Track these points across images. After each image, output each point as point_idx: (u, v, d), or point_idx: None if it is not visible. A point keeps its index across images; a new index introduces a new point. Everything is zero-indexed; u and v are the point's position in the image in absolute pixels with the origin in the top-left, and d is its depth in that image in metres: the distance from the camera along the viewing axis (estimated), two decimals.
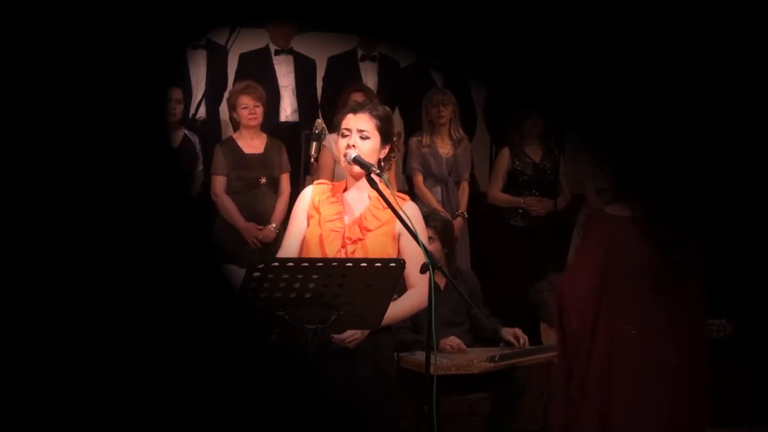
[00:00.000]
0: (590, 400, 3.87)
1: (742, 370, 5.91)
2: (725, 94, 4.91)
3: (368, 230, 3.74)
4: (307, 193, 3.83)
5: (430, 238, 5.27)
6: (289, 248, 3.77)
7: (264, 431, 3.54)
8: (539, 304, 5.62)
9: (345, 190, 3.82)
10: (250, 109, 5.93)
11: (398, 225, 3.71)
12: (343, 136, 3.75)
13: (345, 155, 3.71)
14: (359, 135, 3.73)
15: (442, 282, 5.07)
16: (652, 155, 4.01)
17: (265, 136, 6.05)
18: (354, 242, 3.72)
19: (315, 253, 3.70)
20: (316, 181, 3.95)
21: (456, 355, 4.96)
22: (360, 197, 3.80)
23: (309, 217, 3.78)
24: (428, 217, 5.36)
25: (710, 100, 4.91)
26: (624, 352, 3.85)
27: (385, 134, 3.78)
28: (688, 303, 3.91)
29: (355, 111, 3.79)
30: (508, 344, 5.12)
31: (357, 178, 3.78)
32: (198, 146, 6.18)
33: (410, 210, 3.76)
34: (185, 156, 6.04)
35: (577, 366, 3.89)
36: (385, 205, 3.71)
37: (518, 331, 5.16)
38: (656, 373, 3.86)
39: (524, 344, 5.12)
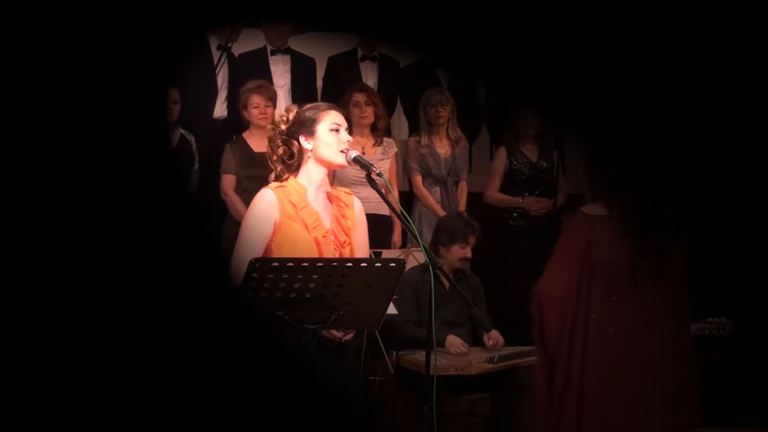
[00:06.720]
0: (569, 404, 3.75)
1: (742, 370, 5.91)
2: (716, 91, 4.91)
3: (348, 231, 3.75)
4: (270, 199, 3.64)
5: (468, 245, 5.30)
6: (252, 254, 3.50)
7: (263, 430, 3.53)
8: None
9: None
10: (261, 109, 5.98)
11: (353, 218, 3.75)
12: (334, 130, 3.68)
13: (344, 152, 3.65)
14: (346, 130, 3.72)
15: (447, 282, 5.08)
16: (636, 154, 3.93)
17: None
18: (343, 245, 3.72)
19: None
20: (274, 185, 3.71)
21: (455, 355, 4.95)
22: (319, 197, 3.73)
23: (280, 225, 3.63)
24: (471, 226, 5.34)
25: (702, 96, 4.92)
26: (601, 352, 3.75)
27: None
28: (669, 302, 3.80)
29: (332, 107, 3.74)
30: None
31: (330, 175, 3.76)
32: (194, 146, 6.19)
33: (358, 206, 3.80)
34: (182, 156, 6.05)
35: (558, 369, 3.78)
36: (348, 203, 3.75)
37: (493, 334, 5.14)
38: (635, 373, 3.75)
39: (494, 344, 5.10)
